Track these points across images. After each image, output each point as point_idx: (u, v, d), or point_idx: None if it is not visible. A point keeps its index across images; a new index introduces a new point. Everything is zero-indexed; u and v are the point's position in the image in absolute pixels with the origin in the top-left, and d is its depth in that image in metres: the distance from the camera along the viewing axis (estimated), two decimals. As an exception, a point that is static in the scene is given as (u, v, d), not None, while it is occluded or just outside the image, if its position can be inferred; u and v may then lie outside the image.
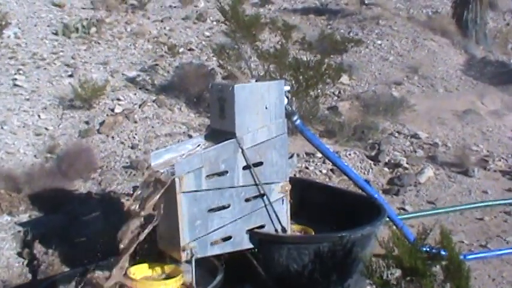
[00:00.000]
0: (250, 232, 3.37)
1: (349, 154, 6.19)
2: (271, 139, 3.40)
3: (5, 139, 6.34)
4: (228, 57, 7.28)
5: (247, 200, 3.35)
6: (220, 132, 3.37)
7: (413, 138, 6.69)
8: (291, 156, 5.89)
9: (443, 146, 6.55)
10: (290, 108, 3.57)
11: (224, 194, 3.24)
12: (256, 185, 3.36)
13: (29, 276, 4.16)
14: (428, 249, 3.04)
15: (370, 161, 6.13)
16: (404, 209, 5.28)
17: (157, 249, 3.36)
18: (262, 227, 3.47)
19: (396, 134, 6.82)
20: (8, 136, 6.41)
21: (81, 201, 5.25)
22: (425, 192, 5.60)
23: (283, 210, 3.53)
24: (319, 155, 6.12)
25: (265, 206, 3.43)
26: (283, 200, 3.52)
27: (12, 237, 4.62)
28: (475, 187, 5.70)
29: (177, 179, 3.01)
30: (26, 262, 4.32)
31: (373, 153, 6.27)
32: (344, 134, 6.67)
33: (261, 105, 3.32)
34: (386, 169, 6.03)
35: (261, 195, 3.40)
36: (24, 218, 4.99)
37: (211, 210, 3.21)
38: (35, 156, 6.17)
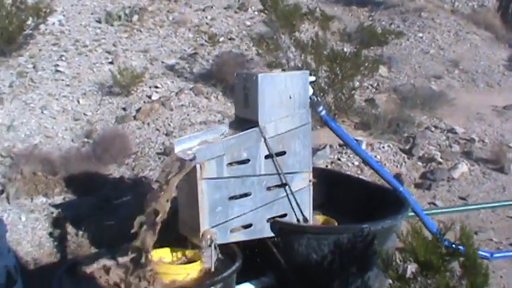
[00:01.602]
0: (271, 221, 3.40)
1: (383, 147, 6.14)
2: (295, 129, 3.40)
3: (44, 123, 6.52)
4: (267, 47, 7.28)
5: (268, 189, 3.37)
6: (244, 120, 3.39)
7: (449, 133, 6.57)
8: (324, 147, 5.95)
9: (479, 141, 6.42)
10: (315, 99, 3.57)
11: (245, 182, 3.26)
12: (278, 174, 3.37)
13: (59, 255, 4.30)
14: (448, 244, 3.02)
15: (403, 155, 6.06)
16: (434, 204, 5.22)
17: (179, 235, 3.42)
18: (284, 215, 3.48)
19: (432, 128, 6.71)
20: (47, 120, 6.59)
21: (114, 185, 5.38)
22: (458, 188, 5.52)
23: (306, 200, 3.53)
24: (351, 147, 6.10)
25: (287, 195, 3.44)
26: (305, 190, 3.52)
27: (46, 217, 4.77)
28: (510, 185, 5.58)
29: (198, 166, 3.05)
30: (56, 242, 4.46)
31: (407, 147, 6.20)
32: (379, 126, 6.61)
33: (284, 95, 3.33)
34: (419, 163, 5.96)
35: (283, 185, 3.41)
36: (59, 200, 5.14)
37: (232, 197, 3.23)
38: (72, 140, 6.33)
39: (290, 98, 3.35)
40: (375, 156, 5.94)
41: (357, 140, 6.04)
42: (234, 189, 3.23)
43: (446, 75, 8.25)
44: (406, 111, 7.04)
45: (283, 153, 3.39)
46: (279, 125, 3.33)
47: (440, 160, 5.92)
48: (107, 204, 4.94)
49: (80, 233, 4.44)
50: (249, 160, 3.25)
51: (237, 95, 3.48)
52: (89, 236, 4.42)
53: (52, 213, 4.82)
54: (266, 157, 3.32)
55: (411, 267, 2.90)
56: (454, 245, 2.88)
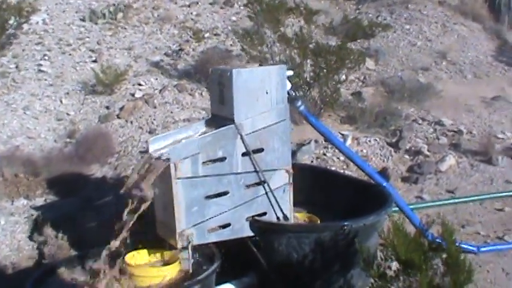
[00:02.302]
0: (250, 220, 3.32)
1: (369, 141, 6.06)
2: (273, 125, 3.32)
3: (27, 124, 6.43)
4: (251, 42, 7.18)
5: (247, 187, 3.29)
6: (220, 118, 3.31)
7: (437, 125, 6.51)
8: (309, 143, 5.87)
9: (468, 133, 6.36)
10: (293, 94, 3.49)
11: (222, 181, 3.18)
12: (256, 172, 3.29)
13: (38, 259, 4.21)
14: (431, 238, 2.95)
15: (390, 148, 5.99)
16: (422, 198, 5.15)
17: (157, 236, 3.34)
18: (263, 214, 3.41)
19: (420, 121, 6.64)
20: (30, 121, 6.50)
21: (96, 185, 5.30)
22: (446, 181, 5.45)
23: (286, 198, 3.45)
24: (337, 141, 6.03)
25: (267, 193, 3.36)
26: (285, 187, 3.44)
27: (26, 220, 4.70)
28: (498, 176, 5.51)
29: (172, 165, 2.97)
30: (35, 245, 4.37)
31: (394, 140, 6.13)
32: (365, 120, 6.54)
33: (260, 91, 3.24)
34: (406, 156, 5.89)
35: (262, 182, 3.33)
36: (40, 201, 5.08)
37: (209, 196, 3.15)
38: (55, 141, 6.25)
39: (267, 93, 3.26)
40: (361, 151, 5.88)
41: (342, 135, 6.00)
42: (211, 188, 3.15)
43: (434, 67, 8.18)
44: (393, 104, 6.97)
45: (261, 150, 3.31)
46: (256, 121, 3.25)
47: (428, 153, 5.86)
48: (88, 205, 4.85)
49: (60, 235, 4.35)
50: (225, 158, 3.17)
51: (212, 92, 3.40)
52: (70, 238, 4.33)
53: (32, 215, 4.75)
54: (243, 154, 3.24)
55: (395, 265, 2.83)
56: (438, 240, 2.82)
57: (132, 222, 2.93)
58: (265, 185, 3.34)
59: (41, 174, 5.43)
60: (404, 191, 5.29)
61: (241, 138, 3.19)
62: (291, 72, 3.42)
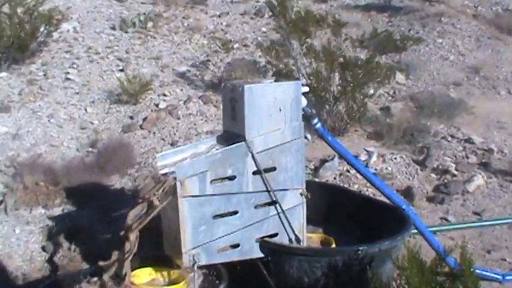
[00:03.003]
0: (260, 241, 3.21)
1: (395, 158, 5.89)
2: (286, 143, 3.21)
3: (50, 132, 6.43)
4: (276, 54, 7.09)
5: (257, 207, 3.18)
6: (231, 134, 3.21)
7: (466, 143, 6.29)
8: (332, 159, 5.73)
9: (498, 152, 6.12)
10: (309, 111, 3.36)
11: (231, 200, 3.08)
12: (268, 191, 3.18)
13: (49, 271, 4.17)
14: (454, 265, 2.80)
15: (416, 166, 5.80)
16: (447, 219, 4.96)
17: (164, 254, 3.25)
18: (275, 235, 3.29)
19: (449, 138, 6.43)
20: (53, 129, 6.50)
21: (114, 197, 5.24)
22: (473, 202, 5.24)
23: (299, 219, 3.34)
24: (362, 157, 5.89)
25: (278, 213, 3.25)
26: (298, 208, 3.32)
27: (40, 230, 4.65)
28: (529, 199, 5.30)
29: (178, 183, 2.88)
30: (47, 256, 4.33)
31: (420, 158, 5.94)
32: (392, 136, 6.36)
33: (274, 107, 3.13)
34: (433, 175, 5.69)
35: (274, 202, 3.22)
36: (58, 211, 5.04)
37: (217, 216, 3.06)
38: (77, 149, 6.22)
39: (280, 110, 3.16)
40: (386, 168, 5.71)
41: (367, 151, 5.84)
42: (219, 208, 3.05)
43: (466, 82, 7.96)
44: (422, 120, 6.78)
45: (273, 169, 3.20)
46: (268, 139, 3.15)
47: (455, 172, 5.65)
48: (104, 217, 4.79)
49: (73, 247, 4.30)
50: (235, 177, 3.07)
51: (224, 108, 3.30)
52: (82, 250, 4.28)
53: (47, 225, 4.71)
54: (254, 173, 3.14)
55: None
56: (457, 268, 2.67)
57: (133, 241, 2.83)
58: (277, 205, 3.23)
59: (60, 183, 5.39)
60: (429, 212, 5.11)
61: (252, 156, 3.09)
62: (306, 89, 3.31)
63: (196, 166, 2.94)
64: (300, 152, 3.27)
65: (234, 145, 3.06)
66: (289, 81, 3.27)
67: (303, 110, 3.31)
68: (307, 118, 3.37)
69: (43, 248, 4.44)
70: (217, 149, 3.15)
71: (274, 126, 3.16)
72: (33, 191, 5.29)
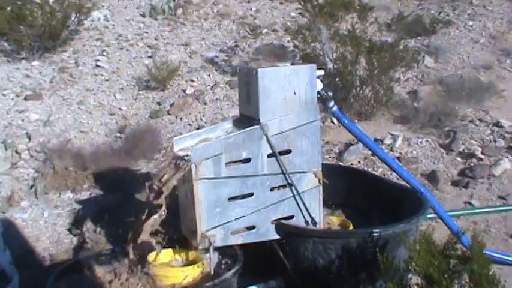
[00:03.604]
0: (275, 223, 3.25)
1: (420, 142, 5.84)
2: (301, 126, 3.24)
3: (80, 118, 6.56)
4: (304, 39, 7.07)
5: (272, 189, 3.22)
6: (247, 118, 3.25)
7: (495, 127, 6.18)
8: (357, 142, 5.72)
9: (528, 135, 6.02)
10: (325, 94, 3.37)
11: (246, 182, 3.13)
12: (283, 174, 3.22)
13: (74, 253, 4.29)
14: (468, 245, 2.81)
15: (442, 150, 5.75)
16: (471, 204, 4.91)
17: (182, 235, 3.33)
18: (291, 217, 3.33)
19: (477, 122, 6.33)
20: (83, 115, 6.62)
21: (140, 181, 5.32)
22: (498, 186, 5.16)
23: (315, 201, 3.36)
24: (387, 141, 5.86)
25: (294, 196, 3.29)
26: (314, 191, 3.35)
27: (68, 213, 4.78)
28: (557, 183, 5.20)
29: (193, 166, 2.94)
30: (74, 239, 4.45)
31: (446, 142, 5.88)
32: (419, 120, 6.30)
33: (288, 91, 3.16)
34: (459, 159, 5.62)
35: (289, 185, 3.26)
36: (85, 195, 5.16)
37: (233, 198, 3.11)
38: (106, 135, 6.34)
39: (295, 93, 3.19)
40: (411, 152, 5.67)
41: (392, 135, 5.81)
42: (234, 190, 3.11)
43: (497, 66, 7.79)
44: (450, 104, 6.68)
45: (288, 151, 3.23)
46: (283, 122, 3.18)
47: (481, 156, 5.57)
48: (130, 201, 4.89)
49: (98, 229, 4.41)
50: (249, 159, 3.11)
51: (240, 91, 3.34)
52: (108, 233, 4.38)
53: (74, 209, 4.83)
54: (269, 156, 3.17)
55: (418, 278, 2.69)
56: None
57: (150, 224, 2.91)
58: (293, 187, 3.26)
59: (89, 168, 5.52)
60: (453, 196, 5.07)
61: (267, 139, 3.12)
62: (322, 72, 3.32)
63: (211, 149, 3.00)
64: (315, 134, 3.29)
65: (248, 128, 3.10)
66: (303, 65, 3.27)
67: (319, 93, 3.32)
68: (323, 101, 3.38)
69: (69, 231, 4.57)
70: (233, 132, 3.19)
71: (288, 109, 3.18)
72: (62, 175, 5.43)
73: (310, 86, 3.23)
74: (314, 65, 3.25)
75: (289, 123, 3.19)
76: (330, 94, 3.39)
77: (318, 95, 3.31)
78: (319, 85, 3.32)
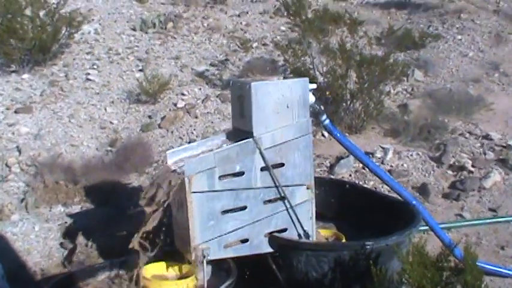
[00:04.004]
0: (269, 236, 3.26)
1: (411, 155, 5.89)
2: (294, 139, 3.26)
3: (70, 132, 6.54)
4: (294, 53, 7.12)
5: (266, 203, 3.23)
6: (240, 131, 3.27)
7: (484, 140, 6.25)
8: (347, 156, 5.75)
9: (517, 148, 6.08)
10: (317, 107, 3.40)
11: (240, 196, 3.14)
12: (276, 187, 3.23)
13: (66, 267, 4.27)
14: (460, 258, 2.83)
15: (432, 163, 5.79)
16: (462, 216, 4.95)
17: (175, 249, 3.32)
18: (284, 230, 3.34)
19: (467, 135, 6.39)
20: (74, 129, 6.60)
21: (132, 195, 5.33)
22: (489, 199, 5.21)
23: (307, 214, 3.38)
24: (377, 154, 5.89)
25: (287, 209, 3.30)
26: (307, 204, 3.36)
27: (59, 227, 4.76)
28: (546, 195, 5.25)
29: (186, 179, 2.94)
30: (66, 253, 4.43)
31: (437, 155, 5.92)
32: (409, 133, 6.36)
33: (281, 104, 3.18)
34: (449, 172, 5.67)
35: (282, 198, 3.27)
36: (76, 209, 5.14)
37: (226, 211, 3.11)
38: (97, 149, 6.32)
39: (287, 107, 3.21)
40: (402, 165, 5.71)
41: (383, 148, 5.84)
42: (228, 203, 3.11)
43: (486, 79, 7.88)
44: (440, 117, 6.75)
45: (281, 165, 3.25)
46: (276, 135, 3.20)
47: (472, 169, 5.62)
48: (121, 214, 4.88)
49: (90, 243, 4.39)
50: (243, 173, 3.12)
51: (233, 105, 3.36)
52: (99, 246, 4.37)
53: (66, 222, 4.82)
54: (262, 169, 3.19)
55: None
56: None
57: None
58: (286, 200, 3.27)
59: (80, 182, 5.51)
60: (444, 208, 5.11)
61: (260, 152, 3.14)
62: (314, 86, 3.35)
63: (205, 162, 3.00)
64: (308, 148, 3.31)
65: (241, 141, 3.11)
66: (296, 79, 3.30)
67: (312, 106, 3.35)
68: (315, 114, 3.41)
69: (61, 245, 4.55)
70: (226, 146, 3.20)
71: (281, 123, 3.20)
72: (53, 189, 5.41)
73: (303, 100, 3.25)
74: (307, 79, 3.28)
75: (282, 136, 3.21)
76: (322, 108, 3.41)
77: (311, 109, 3.33)
78: (312, 98, 3.35)
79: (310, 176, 3.35)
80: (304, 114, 3.27)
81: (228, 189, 3.08)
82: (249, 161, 3.12)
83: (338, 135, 3.54)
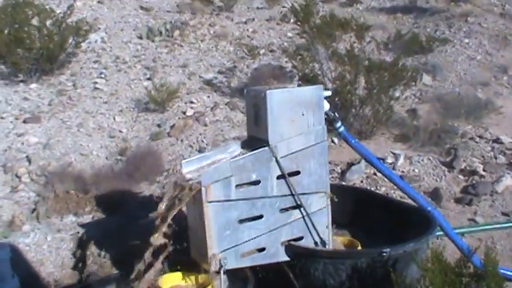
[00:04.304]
0: (285, 244, 3.24)
1: (422, 160, 5.87)
2: (309, 147, 3.24)
3: (80, 141, 6.54)
4: (302, 59, 7.11)
5: (282, 211, 3.22)
6: (255, 139, 3.26)
7: (495, 143, 6.23)
8: (359, 162, 5.73)
9: (528, 151, 6.05)
10: (332, 115, 3.39)
11: (256, 204, 3.12)
12: (292, 195, 3.21)
13: (79, 277, 4.25)
14: (479, 265, 2.80)
15: (444, 168, 5.77)
16: (475, 221, 4.92)
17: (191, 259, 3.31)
18: (300, 238, 3.32)
19: (477, 139, 6.37)
20: (83, 138, 6.60)
21: (143, 204, 5.31)
22: (501, 203, 5.19)
23: (324, 222, 3.35)
24: (388, 160, 5.87)
25: (303, 217, 3.28)
26: (323, 211, 3.35)
27: (71, 237, 4.74)
28: (560, 199, 5.22)
29: (203, 188, 2.93)
30: (79, 263, 4.42)
31: (448, 159, 5.90)
32: (419, 138, 6.34)
33: (296, 112, 3.17)
34: (461, 176, 5.65)
35: (298, 206, 3.25)
36: (88, 219, 5.12)
37: (243, 220, 3.10)
38: (106, 158, 6.32)
39: (303, 114, 3.19)
40: (413, 170, 5.69)
41: (394, 154, 5.83)
42: (244, 212, 3.09)
43: (494, 82, 7.87)
44: (449, 121, 6.73)
45: (297, 173, 3.23)
46: (292, 143, 3.18)
47: (483, 173, 5.60)
48: (132, 224, 4.87)
49: (103, 253, 4.38)
50: (259, 181, 3.11)
51: (247, 113, 3.35)
52: (112, 256, 4.36)
53: (78, 232, 4.80)
54: (278, 177, 3.17)
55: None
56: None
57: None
58: (302, 208, 3.25)
59: (90, 191, 5.50)
60: (456, 213, 5.08)
61: (276, 160, 3.12)
62: (329, 93, 3.33)
63: (221, 172, 2.99)
64: (323, 155, 3.29)
65: (257, 150, 3.10)
66: (311, 86, 3.28)
67: (326, 113, 3.33)
68: (330, 122, 3.40)
69: (74, 255, 4.53)
70: (241, 154, 3.19)
71: (297, 131, 3.19)
72: (63, 199, 5.39)
73: (318, 107, 3.24)
74: (321, 86, 3.27)
75: (298, 144, 3.20)
76: (337, 115, 3.40)
77: (325, 116, 3.32)
78: (326, 106, 3.33)
79: (326, 183, 3.34)
80: (319, 122, 3.26)
81: (245, 198, 3.07)
82: (265, 169, 3.11)
83: (353, 142, 3.53)
